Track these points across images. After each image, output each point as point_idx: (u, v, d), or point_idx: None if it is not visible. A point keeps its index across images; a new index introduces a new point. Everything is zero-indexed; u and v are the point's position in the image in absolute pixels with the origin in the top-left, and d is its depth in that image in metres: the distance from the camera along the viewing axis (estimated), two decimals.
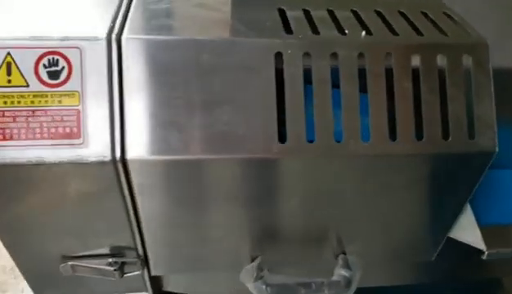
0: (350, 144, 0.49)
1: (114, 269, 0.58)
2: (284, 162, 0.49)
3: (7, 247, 0.56)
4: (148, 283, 0.65)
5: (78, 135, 0.47)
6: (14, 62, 0.47)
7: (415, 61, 0.51)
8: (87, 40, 0.47)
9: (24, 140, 0.47)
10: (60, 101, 0.47)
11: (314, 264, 0.65)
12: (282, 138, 0.48)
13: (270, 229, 0.59)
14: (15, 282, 1.45)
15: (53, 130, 0.47)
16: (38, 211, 0.52)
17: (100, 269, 0.58)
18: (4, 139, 0.46)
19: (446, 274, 0.78)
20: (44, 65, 0.47)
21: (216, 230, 0.58)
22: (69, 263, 0.57)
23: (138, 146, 0.47)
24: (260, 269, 0.59)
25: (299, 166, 0.50)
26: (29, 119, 0.47)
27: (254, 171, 0.50)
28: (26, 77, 0.47)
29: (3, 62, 0.47)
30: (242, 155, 0.48)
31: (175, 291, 0.75)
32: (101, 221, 0.54)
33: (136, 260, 0.59)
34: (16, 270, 1.60)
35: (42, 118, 0.47)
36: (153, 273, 0.62)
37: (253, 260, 0.62)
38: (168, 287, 0.73)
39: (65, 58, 0.47)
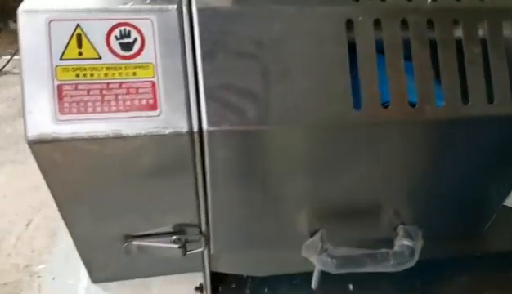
0: (425, 108, 0.49)
1: (179, 247, 0.57)
2: (360, 128, 0.49)
3: (69, 224, 0.55)
4: (206, 262, 0.65)
5: (154, 107, 0.46)
6: (84, 34, 0.46)
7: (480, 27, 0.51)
8: (159, 11, 0.47)
9: (100, 112, 0.46)
10: (134, 73, 0.46)
11: (369, 236, 0.65)
12: (356, 105, 0.48)
13: (331, 202, 0.59)
14: (31, 280, 1.43)
15: (129, 102, 0.46)
16: (106, 187, 0.51)
17: (163, 248, 0.57)
18: (79, 112, 0.45)
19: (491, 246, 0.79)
20: (116, 37, 0.46)
21: (280, 204, 0.57)
22: (133, 242, 0.57)
23: (214, 117, 0.47)
24: (323, 241, 0.59)
25: (374, 132, 0.50)
26: (104, 92, 0.46)
27: (330, 139, 0.50)
28: (98, 50, 0.46)
29: (73, 34, 0.46)
30: (318, 123, 0.48)
31: (224, 271, 0.74)
32: (169, 197, 0.53)
33: (199, 237, 0.58)
34: (31, 268, 1.58)
35: (117, 91, 0.46)
36: (213, 250, 0.62)
37: (311, 236, 0.61)
38: (217, 268, 0.73)
39: (137, 29, 0.46)
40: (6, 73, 2.34)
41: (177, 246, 0.57)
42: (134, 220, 0.56)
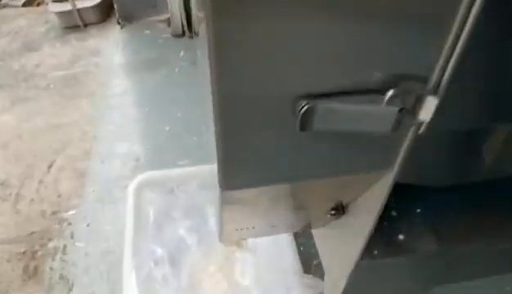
0: None
1: (399, 110, 0.33)
2: None
3: (220, 78, 0.31)
4: (405, 146, 0.41)
5: None
6: None
7: None
8: None
9: None
10: None
11: None
12: None
13: None
14: (60, 228, 1.20)
15: None
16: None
17: (371, 113, 0.33)
18: None
19: None
20: None
21: None
22: (318, 104, 0.32)
23: None
24: None
25: None
26: None
27: None
28: None
29: None
30: None
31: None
32: None
33: (426, 92, 0.34)
34: (59, 214, 1.32)
35: None
36: (426, 117, 0.37)
37: None
38: None
39: None
40: (5, 7, 2.04)
41: (396, 108, 0.33)
42: (323, 64, 0.31)
